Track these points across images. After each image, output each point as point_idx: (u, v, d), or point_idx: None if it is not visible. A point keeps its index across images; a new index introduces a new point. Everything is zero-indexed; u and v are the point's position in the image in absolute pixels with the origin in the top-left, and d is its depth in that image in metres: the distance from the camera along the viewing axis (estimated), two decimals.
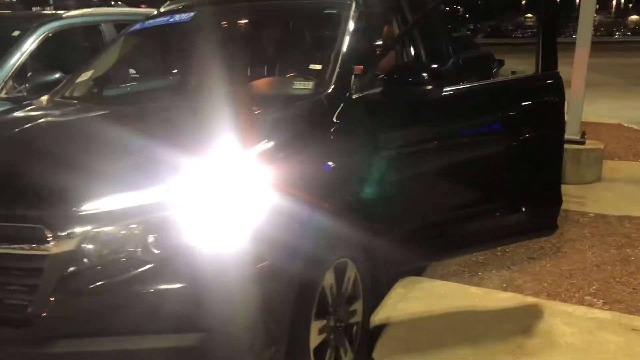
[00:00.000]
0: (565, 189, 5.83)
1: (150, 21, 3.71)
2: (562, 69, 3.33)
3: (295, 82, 2.93)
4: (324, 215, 2.36)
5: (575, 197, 5.59)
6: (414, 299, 3.53)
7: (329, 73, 2.85)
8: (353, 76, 2.84)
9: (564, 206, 5.24)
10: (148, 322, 1.95)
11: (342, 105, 2.74)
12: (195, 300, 1.96)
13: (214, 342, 1.99)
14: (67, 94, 3.45)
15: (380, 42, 3.81)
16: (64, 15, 4.70)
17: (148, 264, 1.96)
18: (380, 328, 3.21)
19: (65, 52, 4.74)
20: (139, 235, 1.98)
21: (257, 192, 2.11)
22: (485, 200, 3.30)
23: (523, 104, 3.25)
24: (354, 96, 2.81)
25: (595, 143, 6.27)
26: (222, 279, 2.00)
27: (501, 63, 9.74)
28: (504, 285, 3.78)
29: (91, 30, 4.94)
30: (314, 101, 2.75)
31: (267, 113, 2.64)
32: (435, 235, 3.22)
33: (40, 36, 4.43)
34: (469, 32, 9.97)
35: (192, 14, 3.49)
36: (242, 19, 3.60)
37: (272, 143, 2.31)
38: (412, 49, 3.73)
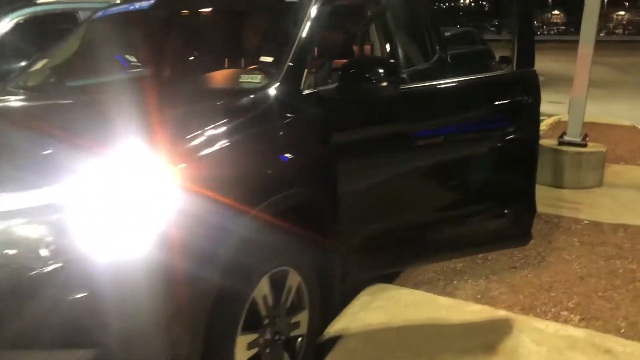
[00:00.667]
0: (562, 193, 5.62)
1: (113, 9, 3.54)
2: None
3: (243, 75, 2.74)
4: (254, 220, 2.17)
5: (571, 202, 5.33)
6: (378, 308, 3.33)
7: (279, 66, 2.65)
8: (306, 70, 2.64)
9: (557, 212, 5.02)
10: (34, 336, 1.78)
11: (289, 101, 2.54)
12: (89, 312, 1.78)
13: None
14: (20, 83, 3.30)
15: (345, 35, 3.59)
16: (37, 1, 4.56)
17: (37, 270, 1.79)
18: (335, 340, 3.02)
19: (38, 39, 4.60)
20: (28, 239, 1.81)
21: (166, 194, 1.92)
22: (451, 206, 3.09)
23: (494, 103, 3.02)
24: (306, 92, 2.61)
25: (597, 146, 5.97)
26: (122, 288, 1.82)
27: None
28: (478, 296, 3.55)
29: (68, 17, 4.79)
30: (256, 96, 2.55)
31: (200, 108, 2.45)
32: (398, 242, 3.01)
33: (10, 22, 4.30)
34: (473, 28, 9.55)
35: (151, 1, 3.31)
36: (195, 8, 3.40)
37: (197, 140, 2.12)
38: (384, 43, 3.50)
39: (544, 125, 8.30)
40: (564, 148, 5.82)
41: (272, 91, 2.54)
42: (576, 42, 5.81)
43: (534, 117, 3.09)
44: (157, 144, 2.00)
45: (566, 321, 3.25)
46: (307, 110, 2.58)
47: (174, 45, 3.32)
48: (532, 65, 3.02)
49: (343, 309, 3.32)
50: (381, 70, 2.60)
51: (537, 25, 57.30)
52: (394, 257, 3.04)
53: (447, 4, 75.54)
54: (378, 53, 3.54)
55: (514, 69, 3.03)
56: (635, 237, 4.45)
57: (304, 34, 2.72)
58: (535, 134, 3.12)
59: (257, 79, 2.65)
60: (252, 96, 2.55)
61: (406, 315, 3.25)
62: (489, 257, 4.09)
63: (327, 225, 2.64)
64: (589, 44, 5.63)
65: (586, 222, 4.84)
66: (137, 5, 3.24)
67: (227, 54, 3.21)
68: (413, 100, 2.87)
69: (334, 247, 2.72)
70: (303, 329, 2.61)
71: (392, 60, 2.68)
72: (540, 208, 5.07)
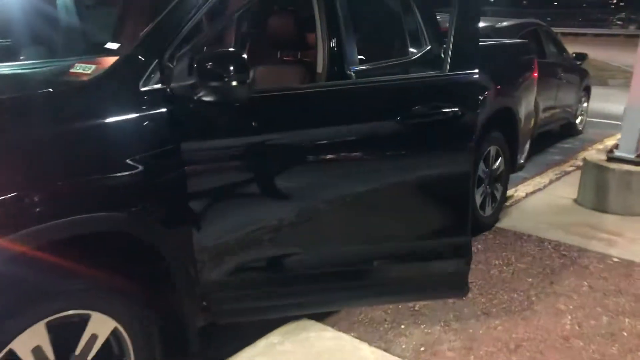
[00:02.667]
0: (601, 219, 4.66)
1: None
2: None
3: (77, 64, 2.25)
4: (8, 252, 1.70)
5: (609, 232, 4.39)
6: (282, 354, 2.75)
7: (120, 54, 2.14)
8: (156, 62, 2.10)
9: (583, 243, 4.13)
10: None
11: (115, 98, 2.02)
12: None
13: None
14: None
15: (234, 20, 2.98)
16: None
17: None
18: None
19: None
20: None
21: None
22: (345, 244, 2.44)
23: (407, 116, 2.31)
24: (146, 88, 2.07)
25: None
26: None
27: (583, 57, 8.26)
28: (422, 349, 2.86)
29: None
30: (73, 91, 2.05)
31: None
32: (275, 280, 2.41)
33: None
34: (540, 21, 8.28)
35: None
36: None
37: None
38: (328, 33, 2.87)
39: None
40: (612, 165, 4.83)
41: (92, 86, 2.04)
42: None
43: (467, 134, 2.35)
44: None
45: None
46: (144, 111, 2.05)
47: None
48: (473, 66, 2.28)
49: (242, 348, 2.79)
50: (231, 67, 2.02)
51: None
52: (272, 300, 2.44)
53: None
54: (321, 44, 2.91)
55: (446, 71, 2.30)
56: None
57: (164, 16, 2.19)
58: (466, 159, 2.38)
59: (89, 69, 2.16)
60: (70, 90, 2.06)
61: None
62: (465, 297, 3.36)
63: (166, 259, 2.11)
64: None
65: (615, 260, 3.92)
66: None
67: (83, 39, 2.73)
68: (273, 107, 2.26)
69: (183, 285, 2.19)
70: None
71: (243, 55, 2.07)
72: (565, 235, 4.25)
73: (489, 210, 4.36)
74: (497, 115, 4.23)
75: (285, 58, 3.34)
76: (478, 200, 4.22)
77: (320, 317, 3.05)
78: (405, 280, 2.53)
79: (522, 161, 6.32)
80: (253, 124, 2.23)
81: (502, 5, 42.75)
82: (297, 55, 3.29)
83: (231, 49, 2.14)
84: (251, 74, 2.26)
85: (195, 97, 2.12)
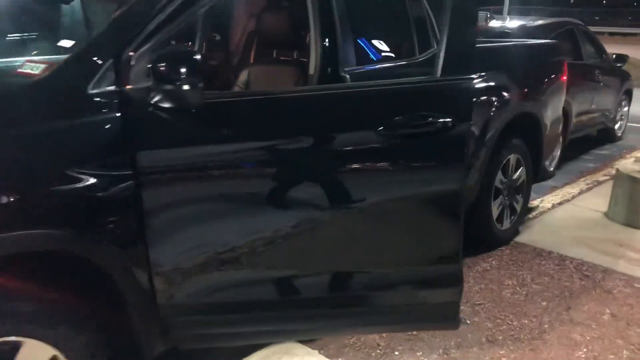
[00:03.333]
0: (634, 236, 4.26)
1: None
2: None
3: (26, 62, 2.06)
4: None
5: None
6: None
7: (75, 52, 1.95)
8: (111, 61, 1.90)
9: (609, 263, 3.78)
10: None
11: (59, 101, 1.82)
12: None
13: None
14: None
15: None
16: None
17: None
18: None
19: None
20: None
21: None
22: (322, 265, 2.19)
23: (390, 126, 2.04)
24: (96, 90, 1.87)
25: None
26: None
27: (623, 59, 7.77)
28: None
29: None
30: (8, 92, 1.86)
31: None
32: (242, 305, 2.18)
33: None
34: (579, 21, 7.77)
35: None
36: None
37: None
38: (321, 31, 2.63)
39: None
40: None
41: (36, 88, 1.85)
42: None
43: (457, 150, 2.06)
44: None
45: None
46: (93, 116, 1.85)
47: None
48: (468, 71, 2.00)
49: None
50: (183, 70, 1.80)
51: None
52: (243, 326, 2.21)
53: None
54: (314, 44, 2.67)
55: (438, 75, 2.03)
56: None
57: (124, 11, 1.98)
58: (457, 177, 2.09)
59: (37, 69, 1.97)
60: (9, 92, 1.88)
61: None
62: (470, 320, 3.08)
63: (114, 280, 1.91)
64: None
65: None
66: None
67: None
68: (234, 114, 2.01)
69: (137, 309, 1.99)
70: None
71: (196, 56, 1.83)
72: (590, 253, 3.90)
73: (506, 224, 4.05)
74: (518, 121, 3.91)
75: (280, 57, 3.12)
76: (495, 212, 3.91)
77: (307, 339, 2.82)
78: (392, 308, 2.27)
79: (551, 169, 5.95)
80: (213, 131, 2.00)
81: (547, 4, 41.42)
82: (292, 54, 3.06)
83: (184, 49, 1.90)
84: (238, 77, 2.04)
85: (152, 102, 1.91)
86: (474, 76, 2.05)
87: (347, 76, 2.65)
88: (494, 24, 7.02)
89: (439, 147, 2.06)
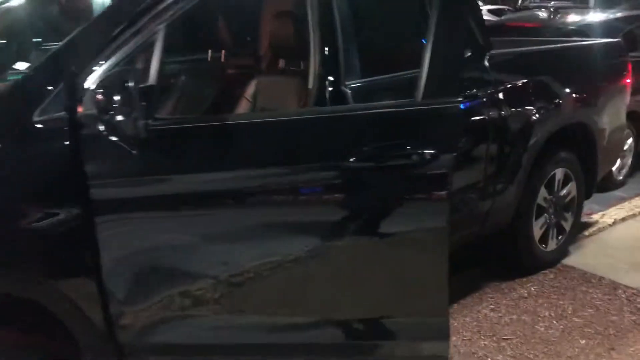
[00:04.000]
0: None
1: None
2: None
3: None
4: None
5: None
6: None
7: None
8: (61, 85, 1.77)
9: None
10: None
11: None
12: None
13: None
14: None
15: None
16: None
17: None
18: None
19: None
20: None
21: None
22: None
23: (362, 157, 1.78)
24: (42, 117, 1.74)
25: None
26: None
27: None
28: None
29: None
30: None
31: None
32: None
33: None
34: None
35: None
36: None
37: None
38: (322, 42, 2.41)
39: None
40: None
41: None
42: None
43: (439, 185, 1.77)
44: None
45: None
46: (37, 146, 1.73)
47: None
48: (454, 93, 1.71)
49: None
50: (117, 98, 1.63)
51: None
52: None
53: None
54: (312, 55, 2.46)
55: (419, 98, 1.75)
56: None
57: (79, 31, 1.85)
58: (440, 216, 1.79)
59: None
60: None
61: None
62: (493, 359, 2.78)
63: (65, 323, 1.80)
64: None
65: None
66: None
67: None
68: (185, 143, 1.82)
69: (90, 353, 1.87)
70: None
71: (130, 83, 1.63)
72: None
73: (552, 244, 3.65)
74: (567, 132, 3.53)
75: (290, 68, 2.92)
76: (537, 233, 3.54)
77: None
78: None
79: (620, 177, 5.44)
80: (164, 162, 1.84)
81: None
82: (298, 65, 2.85)
83: (120, 76, 1.73)
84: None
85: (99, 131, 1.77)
86: (459, 99, 1.74)
87: (349, 91, 2.43)
88: (573, 18, 6.43)
89: (419, 182, 1.80)
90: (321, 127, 1.89)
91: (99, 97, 1.69)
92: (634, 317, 3.12)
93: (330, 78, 2.45)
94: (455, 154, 1.79)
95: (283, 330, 2.00)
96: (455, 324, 3.05)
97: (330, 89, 2.44)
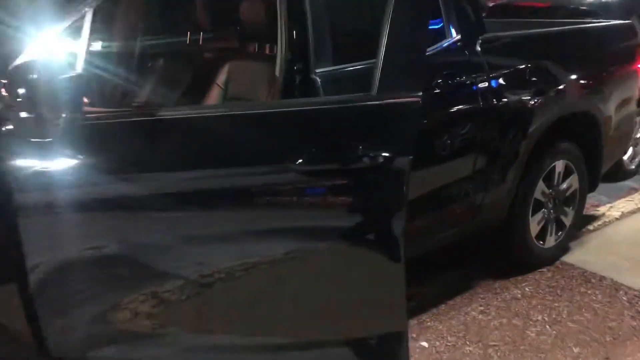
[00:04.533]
0: None
1: None
2: None
3: None
4: None
5: None
6: None
7: None
8: None
9: None
10: None
11: None
12: None
13: None
14: None
15: None
16: None
17: None
18: None
19: None
20: None
21: None
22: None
23: (307, 159, 1.57)
24: None
25: None
26: None
27: None
28: None
29: None
30: None
31: None
32: None
33: None
34: None
35: None
36: None
37: None
38: (290, 25, 2.21)
39: None
40: None
41: None
42: None
43: (395, 189, 1.56)
44: None
45: None
46: None
47: None
48: (415, 87, 1.49)
49: None
50: (20, 91, 1.44)
51: None
52: None
53: None
54: (279, 38, 2.26)
55: (373, 92, 1.53)
56: None
57: None
58: (395, 223, 1.59)
59: None
60: None
61: None
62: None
63: None
64: None
65: None
66: None
67: None
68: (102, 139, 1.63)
69: None
70: None
71: (33, 75, 1.42)
72: None
73: (550, 241, 3.43)
74: (568, 121, 3.29)
75: (261, 53, 2.71)
76: (534, 229, 3.32)
77: None
78: None
79: (632, 167, 5.15)
80: (90, 161, 1.65)
81: None
82: (271, 50, 2.65)
83: (23, 66, 1.53)
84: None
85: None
86: (419, 94, 1.52)
87: (318, 79, 2.22)
88: None
89: (370, 188, 1.59)
90: (263, 124, 1.69)
91: (3, 91, 1.50)
92: (634, 323, 2.90)
93: (299, 65, 2.25)
94: (411, 156, 1.58)
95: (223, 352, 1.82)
96: (440, 326, 2.87)
97: (299, 77, 2.24)
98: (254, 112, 1.76)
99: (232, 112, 1.78)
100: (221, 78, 2.78)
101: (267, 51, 2.59)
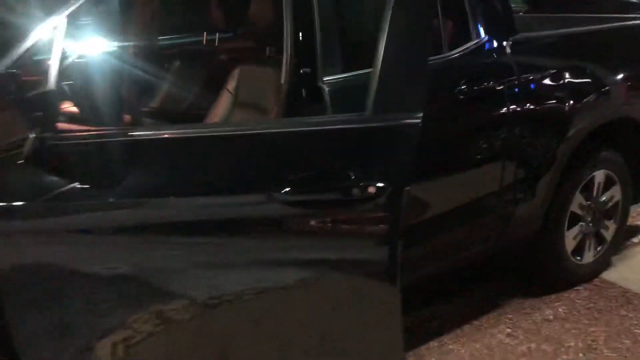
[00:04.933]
0: None
1: None
2: None
3: None
4: None
5: None
6: None
7: None
8: None
9: None
10: None
11: None
12: None
13: None
14: None
15: None
16: None
17: None
18: None
19: None
20: None
21: None
22: None
23: (292, 189, 1.40)
24: None
25: None
26: None
27: None
28: None
29: None
30: None
31: None
32: None
33: None
34: None
35: None
36: None
37: None
38: (296, 28, 2.05)
39: None
40: None
41: None
42: None
43: (389, 224, 1.37)
44: None
45: None
46: None
47: None
48: (414, 106, 1.30)
49: None
50: None
51: None
52: None
53: None
54: (286, 43, 2.10)
55: (368, 112, 1.35)
56: None
57: None
58: (389, 260, 1.40)
59: None
60: None
61: None
62: None
63: None
64: None
65: None
66: None
67: None
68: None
69: None
70: None
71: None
72: None
73: (588, 257, 3.17)
74: (611, 128, 3.02)
75: (270, 58, 2.56)
76: (570, 244, 3.07)
77: None
78: None
79: None
80: (62, 185, 1.53)
81: None
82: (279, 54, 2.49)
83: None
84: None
85: None
86: (420, 115, 1.33)
87: (326, 88, 2.06)
88: None
89: (360, 223, 1.41)
90: (240, 147, 1.53)
91: None
92: None
93: (306, 72, 2.09)
94: (409, 188, 1.39)
95: None
96: (463, 350, 2.67)
97: (305, 84, 2.08)
98: (232, 134, 1.60)
99: (204, 134, 1.62)
100: (231, 84, 2.65)
101: (276, 56, 2.44)
